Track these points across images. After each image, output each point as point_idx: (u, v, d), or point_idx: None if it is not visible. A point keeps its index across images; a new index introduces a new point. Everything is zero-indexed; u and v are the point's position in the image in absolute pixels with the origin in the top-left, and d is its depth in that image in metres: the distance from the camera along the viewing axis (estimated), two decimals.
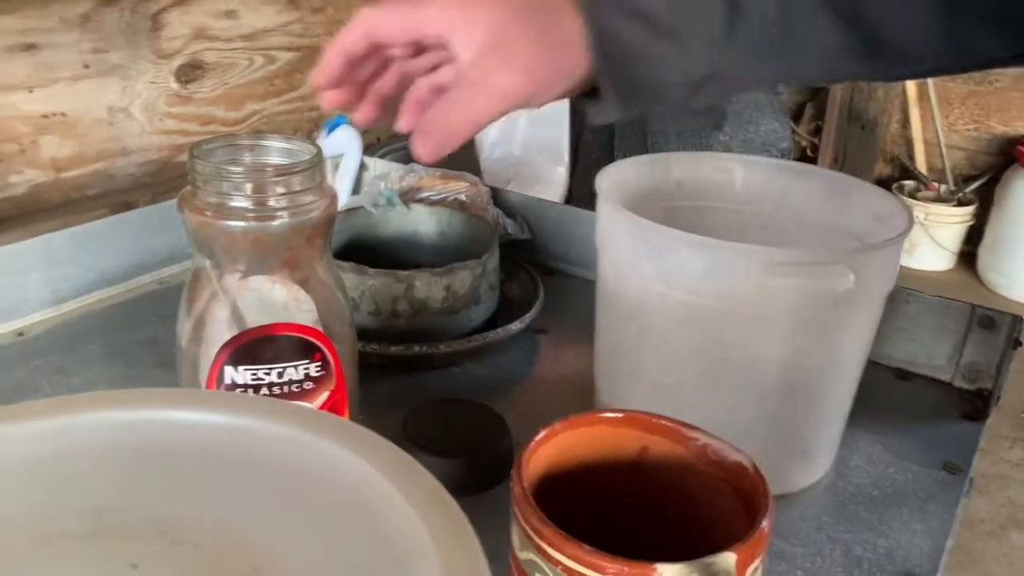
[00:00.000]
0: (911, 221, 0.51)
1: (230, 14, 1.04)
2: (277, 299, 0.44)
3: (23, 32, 0.85)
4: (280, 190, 0.43)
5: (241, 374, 0.44)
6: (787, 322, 0.48)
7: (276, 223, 0.43)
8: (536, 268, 0.80)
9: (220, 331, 0.44)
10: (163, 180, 1.00)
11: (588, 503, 0.42)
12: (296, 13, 1.12)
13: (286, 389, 0.45)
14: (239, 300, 0.44)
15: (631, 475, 0.42)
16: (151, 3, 0.95)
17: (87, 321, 0.73)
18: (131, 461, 0.24)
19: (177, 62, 1.00)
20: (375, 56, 0.49)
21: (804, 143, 3.00)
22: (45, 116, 0.88)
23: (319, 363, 0.46)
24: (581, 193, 1.34)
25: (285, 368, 0.45)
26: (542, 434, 0.40)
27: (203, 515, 0.22)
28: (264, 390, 0.45)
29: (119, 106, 0.95)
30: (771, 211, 0.62)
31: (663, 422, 0.41)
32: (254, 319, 0.44)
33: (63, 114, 0.90)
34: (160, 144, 1.00)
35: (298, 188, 0.43)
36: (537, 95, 0.45)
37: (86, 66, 0.91)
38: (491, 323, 0.72)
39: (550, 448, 0.41)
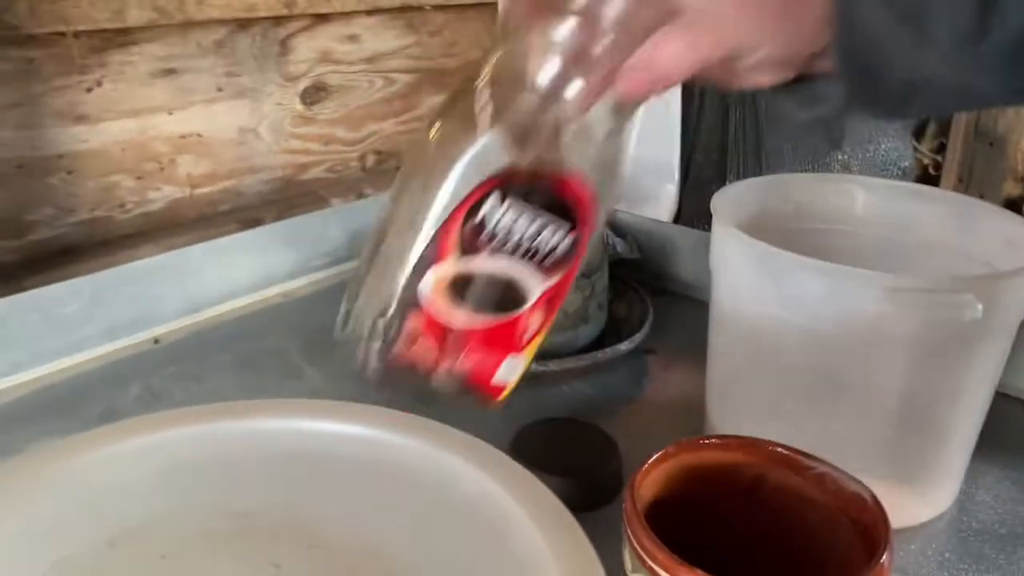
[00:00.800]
0: None
1: (353, 38, 1.09)
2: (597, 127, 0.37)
3: (165, 59, 0.91)
4: None
5: (506, 211, 0.37)
6: (909, 351, 0.47)
7: None
8: (645, 288, 0.80)
9: (497, 154, 0.36)
10: (288, 197, 1.05)
11: (699, 530, 0.42)
12: (415, 36, 1.16)
13: (530, 253, 0.38)
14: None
15: (745, 503, 0.42)
16: (280, 29, 1.00)
17: (218, 331, 0.77)
18: (275, 468, 0.26)
19: (303, 84, 1.04)
20: None
21: (927, 161, 2.88)
22: (183, 136, 0.94)
23: (572, 238, 0.39)
24: (691, 212, 1.32)
25: (545, 226, 0.38)
26: (656, 456, 0.40)
27: (339, 521, 0.24)
28: (509, 243, 0.38)
29: (248, 126, 1.00)
30: (893, 235, 0.60)
31: (780, 450, 0.41)
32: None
33: (198, 134, 0.95)
34: (285, 163, 1.05)
35: None
36: (755, 51, 0.38)
37: (220, 89, 0.96)
38: (599, 343, 0.72)
39: (663, 471, 0.41)
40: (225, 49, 0.96)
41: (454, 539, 0.23)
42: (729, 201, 0.57)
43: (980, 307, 0.44)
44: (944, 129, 2.85)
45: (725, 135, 1.21)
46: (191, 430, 0.26)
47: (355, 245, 0.90)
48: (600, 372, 0.70)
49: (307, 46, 1.04)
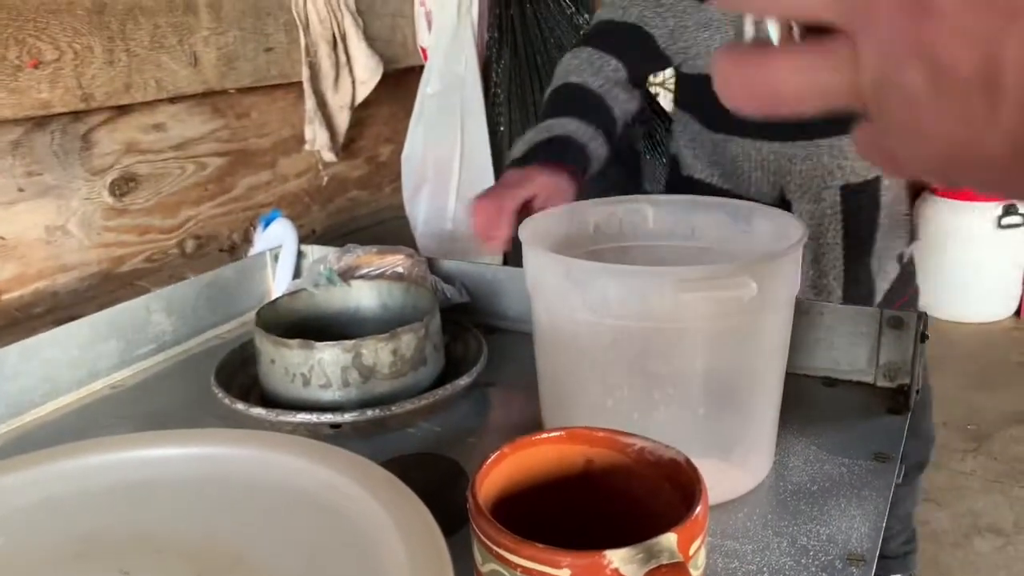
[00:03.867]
0: (805, 232, 0.56)
1: (158, 127, 1.08)
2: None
3: None
4: None
5: None
6: (704, 333, 0.53)
7: None
8: (478, 327, 0.83)
9: None
10: (106, 292, 1.03)
11: (542, 518, 0.45)
12: (222, 120, 1.17)
13: None
14: None
15: (580, 487, 0.46)
16: (80, 123, 0.99)
17: (43, 431, 0.74)
18: (114, 496, 0.26)
19: (110, 177, 1.03)
20: None
21: None
22: None
23: None
24: (515, 261, 1.38)
25: None
26: (493, 457, 0.43)
27: (183, 528, 0.25)
28: None
29: (56, 224, 0.98)
30: (683, 243, 0.67)
31: (600, 433, 0.45)
32: None
33: (1, 237, 0.92)
34: (100, 257, 1.03)
35: None
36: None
37: (21, 189, 0.94)
38: (440, 383, 0.75)
39: (502, 470, 0.44)
40: (23, 148, 0.94)
41: (294, 525, 0.25)
42: (536, 230, 0.62)
43: (754, 285, 0.50)
44: None
45: None
46: (29, 473, 0.27)
47: (180, 327, 0.89)
48: (445, 409, 0.73)
49: (110, 138, 1.03)
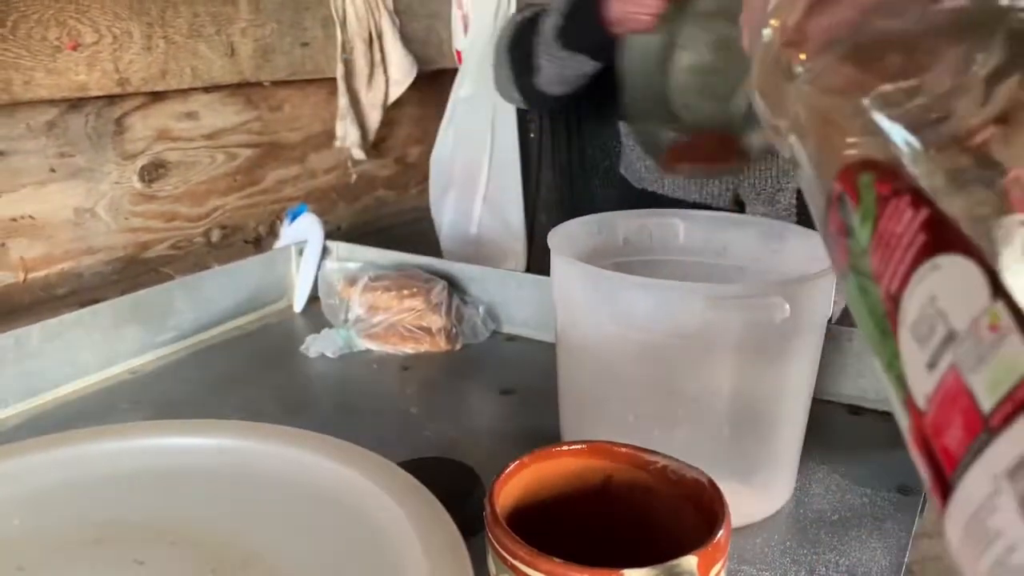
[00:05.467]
0: None
1: (191, 115, 1.09)
2: None
3: None
4: None
5: None
6: (732, 353, 0.52)
7: None
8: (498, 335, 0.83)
9: None
10: (130, 277, 1.03)
11: (559, 532, 0.44)
12: (255, 112, 1.18)
13: None
14: None
15: (598, 502, 0.45)
16: (115, 108, 0.99)
17: (60, 412, 0.74)
18: (132, 483, 0.26)
19: (141, 162, 1.03)
20: None
21: None
22: (13, 219, 0.91)
23: None
24: (538, 268, 1.38)
25: None
26: (511, 467, 0.43)
27: (199, 520, 0.25)
28: None
29: (85, 207, 0.98)
30: (714, 260, 0.66)
31: (622, 449, 0.44)
32: None
33: (31, 217, 0.92)
34: (126, 242, 1.03)
35: None
36: None
37: (52, 170, 0.94)
38: None
39: (520, 481, 0.43)
40: (57, 129, 0.94)
41: (310, 522, 0.24)
42: (564, 237, 0.61)
43: (788, 307, 0.49)
44: None
45: (563, 192, 1.28)
46: (49, 455, 0.26)
47: (202, 316, 0.89)
48: (462, 414, 0.72)
49: (144, 124, 1.03)
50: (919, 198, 0.23)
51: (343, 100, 1.26)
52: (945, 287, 0.22)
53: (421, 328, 0.85)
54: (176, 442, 0.27)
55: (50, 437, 0.27)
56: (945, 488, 0.21)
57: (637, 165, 1.05)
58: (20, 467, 0.26)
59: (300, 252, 0.98)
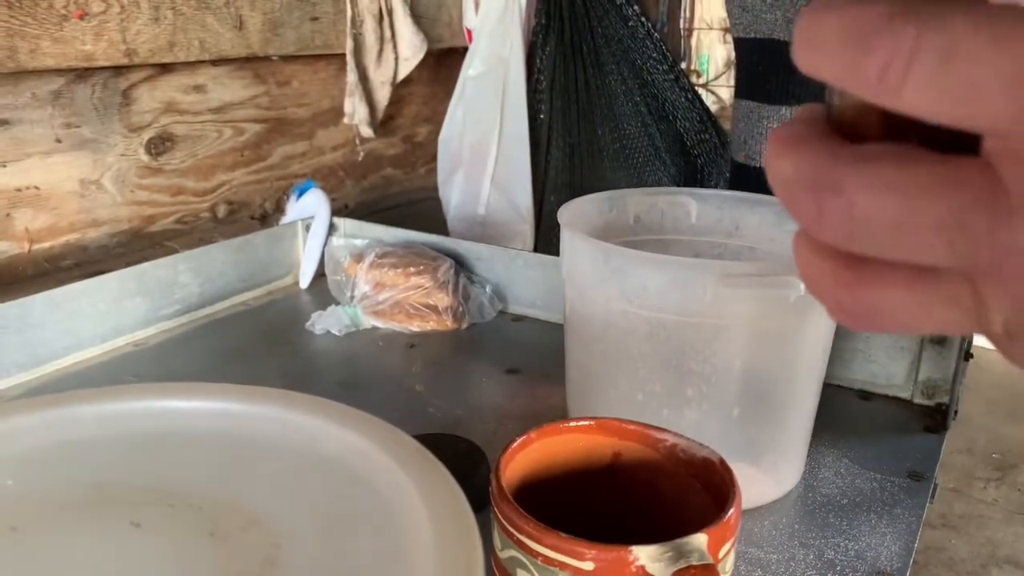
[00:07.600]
0: None
1: (199, 88, 1.08)
2: None
3: None
4: None
5: None
6: (744, 332, 0.51)
7: None
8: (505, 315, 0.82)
9: None
10: (135, 250, 1.02)
11: (566, 508, 0.43)
12: (263, 87, 1.16)
13: None
14: None
15: (606, 480, 0.44)
16: (122, 79, 0.98)
17: (63, 383, 0.73)
18: (130, 445, 0.25)
19: (147, 135, 1.02)
20: None
21: None
22: (18, 189, 0.90)
23: None
24: (546, 250, 1.37)
25: None
26: (518, 441, 0.42)
27: (198, 482, 0.24)
28: None
29: (91, 178, 0.97)
30: (725, 240, 0.65)
31: (632, 426, 0.43)
32: None
33: (36, 187, 0.92)
34: (131, 215, 1.02)
35: None
36: None
37: (58, 140, 0.93)
38: None
39: (527, 456, 0.42)
40: (63, 99, 0.93)
41: (315, 489, 0.24)
42: (575, 213, 0.60)
43: (802, 286, 0.48)
44: None
45: (572, 174, 1.27)
46: (45, 415, 0.26)
47: (207, 290, 0.88)
48: (467, 392, 0.71)
49: (150, 96, 1.02)
50: None
51: (352, 76, 1.24)
52: None
53: (427, 306, 0.84)
54: (175, 405, 0.26)
55: (46, 397, 0.27)
56: None
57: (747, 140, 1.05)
58: (14, 427, 0.25)
59: (307, 228, 0.97)
